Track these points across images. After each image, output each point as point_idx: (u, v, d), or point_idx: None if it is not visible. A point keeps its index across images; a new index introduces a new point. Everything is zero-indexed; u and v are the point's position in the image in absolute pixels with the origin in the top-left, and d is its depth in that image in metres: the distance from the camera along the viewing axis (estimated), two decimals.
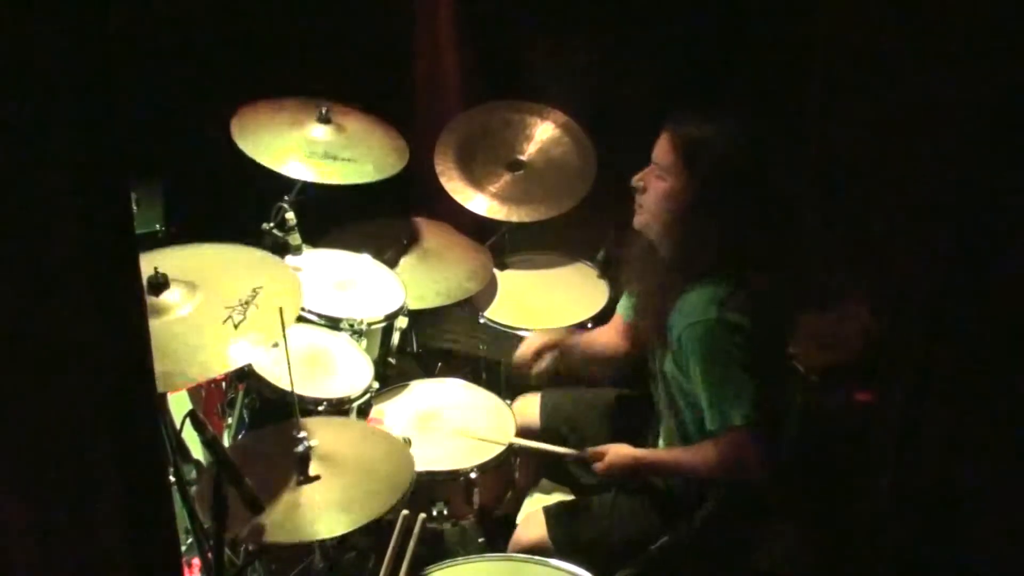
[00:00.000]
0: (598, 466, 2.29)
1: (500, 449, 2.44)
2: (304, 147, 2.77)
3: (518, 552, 2.26)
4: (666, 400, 2.29)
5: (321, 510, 1.94)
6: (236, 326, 1.92)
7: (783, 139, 3.10)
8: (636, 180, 2.24)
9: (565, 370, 2.63)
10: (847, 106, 3.06)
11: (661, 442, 2.37)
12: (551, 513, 2.33)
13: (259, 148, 2.70)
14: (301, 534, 1.91)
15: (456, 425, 2.54)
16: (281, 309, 1.88)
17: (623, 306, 2.54)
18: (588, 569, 2.02)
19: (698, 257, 2.15)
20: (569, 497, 2.57)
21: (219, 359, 1.90)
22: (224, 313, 1.94)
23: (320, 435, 2.04)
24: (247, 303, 1.95)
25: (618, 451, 2.28)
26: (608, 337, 2.60)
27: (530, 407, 2.62)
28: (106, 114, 1.01)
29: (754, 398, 2.06)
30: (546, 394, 2.64)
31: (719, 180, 2.12)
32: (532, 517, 2.36)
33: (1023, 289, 2.62)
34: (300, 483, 1.97)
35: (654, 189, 2.20)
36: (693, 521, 2.23)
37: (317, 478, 1.98)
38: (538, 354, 2.59)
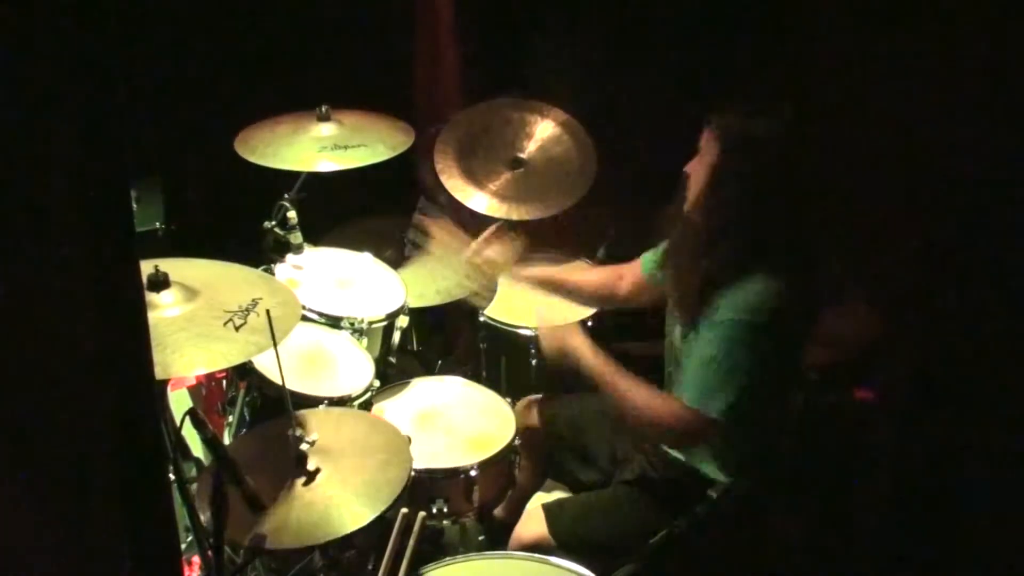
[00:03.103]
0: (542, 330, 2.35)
1: (502, 445, 2.45)
2: (313, 145, 2.78)
3: (518, 549, 2.26)
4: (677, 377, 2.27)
5: (322, 508, 1.94)
6: (237, 329, 1.93)
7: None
8: (688, 168, 2.19)
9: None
10: (847, 105, 3.05)
11: None
12: (551, 509, 2.33)
13: (269, 158, 2.71)
14: (302, 535, 1.91)
15: (456, 423, 2.55)
16: (268, 311, 1.89)
17: (648, 260, 2.49)
18: (588, 564, 2.01)
19: (736, 254, 2.09)
20: (569, 495, 2.57)
21: (219, 355, 1.91)
22: (224, 316, 1.95)
23: (319, 429, 2.05)
24: (247, 310, 1.97)
25: (572, 333, 2.28)
26: (610, 278, 2.57)
27: (532, 409, 2.62)
28: (106, 112, 1.01)
29: (737, 403, 2.04)
30: (548, 396, 2.64)
31: (763, 178, 2.08)
32: (532, 513, 2.35)
33: (1023, 289, 2.62)
34: (300, 480, 1.97)
35: (697, 177, 2.14)
36: (693, 515, 2.22)
37: (318, 471, 1.99)
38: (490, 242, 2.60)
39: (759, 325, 2.03)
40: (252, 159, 2.70)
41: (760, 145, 2.08)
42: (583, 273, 2.69)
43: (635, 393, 2.16)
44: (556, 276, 2.63)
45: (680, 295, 2.21)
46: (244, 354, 1.92)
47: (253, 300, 2.01)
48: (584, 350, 2.24)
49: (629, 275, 2.54)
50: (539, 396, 2.65)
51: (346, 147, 2.77)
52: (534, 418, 2.60)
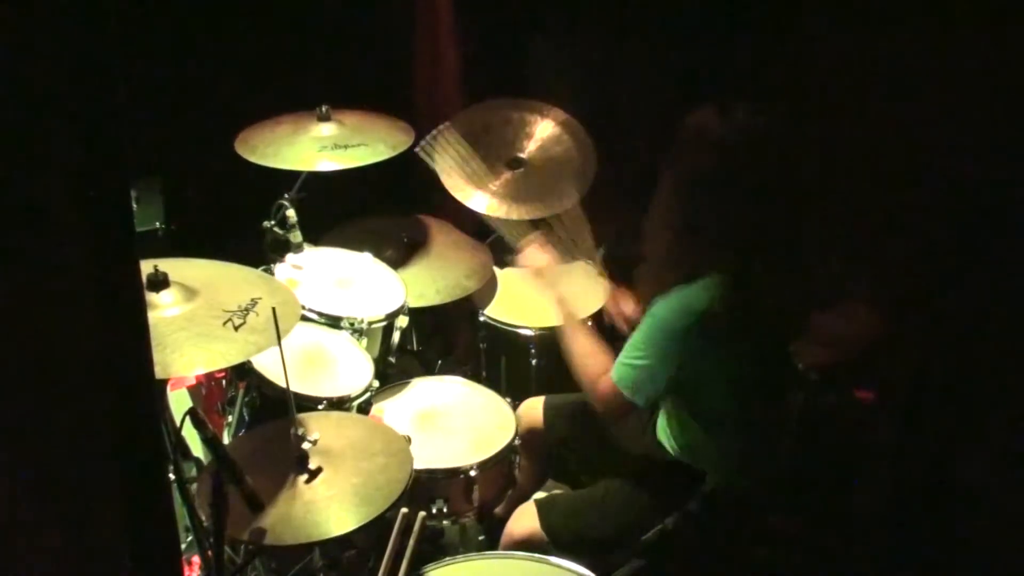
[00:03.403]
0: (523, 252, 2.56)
1: (502, 445, 2.45)
2: (314, 145, 2.78)
3: (510, 545, 2.26)
4: None
5: (322, 508, 1.94)
6: (236, 328, 1.93)
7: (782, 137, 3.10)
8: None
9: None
10: (847, 104, 3.05)
11: (659, 426, 2.37)
12: (543, 504, 2.33)
13: (270, 158, 2.72)
14: (302, 534, 1.91)
15: (456, 423, 2.55)
16: (273, 308, 1.89)
17: None
18: (582, 559, 2.01)
19: (703, 242, 2.10)
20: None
21: (218, 355, 1.91)
22: (224, 316, 1.95)
23: (320, 431, 2.05)
24: (247, 310, 1.97)
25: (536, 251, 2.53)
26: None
27: (534, 410, 2.62)
28: (106, 112, 1.01)
29: (656, 395, 2.16)
30: (550, 398, 2.64)
31: (721, 180, 2.06)
32: (524, 509, 2.35)
33: (1023, 288, 2.62)
34: (301, 478, 1.98)
35: (665, 177, 2.16)
36: (685, 511, 2.22)
37: (319, 470, 1.99)
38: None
39: (680, 328, 2.06)
40: (252, 159, 2.70)
41: (699, 140, 2.08)
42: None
43: (582, 349, 2.27)
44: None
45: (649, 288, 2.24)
46: (243, 354, 1.92)
47: (252, 300, 2.02)
48: (556, 291, 2.40)
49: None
50: (541, 397, 2.65)
51: (346, 146, 2.78)
52: (536, 419, 2.60)
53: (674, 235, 2.15)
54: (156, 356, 1.71)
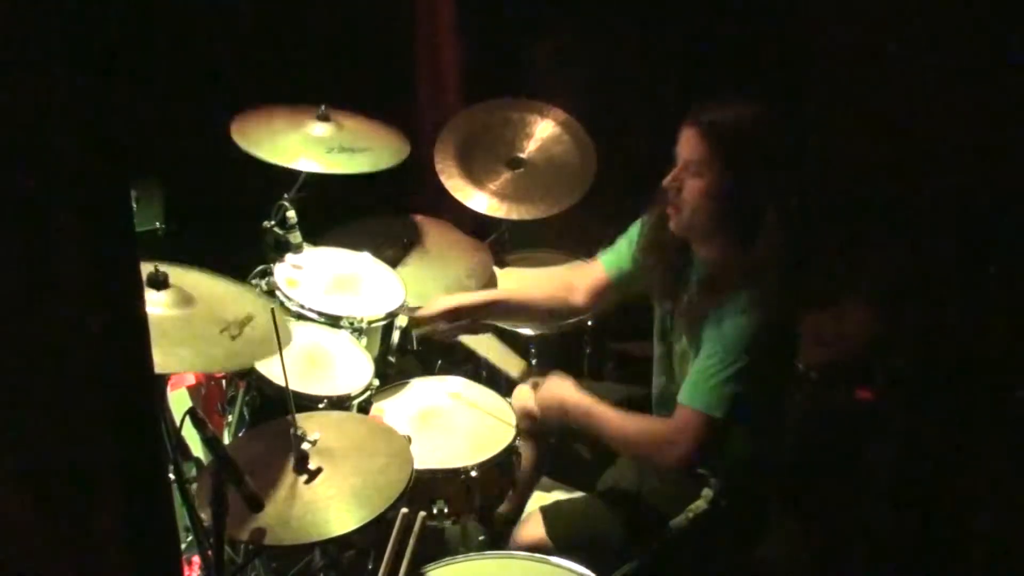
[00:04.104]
0: (539, 393, 2.30)
1: (502, 446, 2.45)
2: (320, 145, 2.78)
3: (520, 552, 2.26)
4: (672, 390, 2.27)
5: (322, 508, 1.94)
6: (233, 339, 1.94)
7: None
8: (669, 183, 2.12)
9: (482, 327, 2.57)
10: (847, 103, 3.06)
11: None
12: (548, 512, 2.33)
13: (275, 153, 2.72)
14: (302, 534, 1.91)
15: (456, 423, 2.55)
16: (273, 309, 1.89)
17: (611, 263, 2.44)
18: (588, 565, 2.02)
19: (746, 255, 2.06)
20: (568, 495, 2.57)
21: (221, 355, 1.92)
22: (222, 323, 1.96)
23: (320, 431, 2.05)
24: (243, 324, 1.98)
25: (559, 385, 2.27)
26: (564, 288, 2.52)
27: (527, 397, 2.61)
28: (106, 112, 1.01)
29: (736, 404, 2.04)
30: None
31: (757, 165, 2.05)
32: (530, 517, 2.36)
33: (1022, 288, 2.62)
34: (301, 479, 1.98)
35: (691, 188, 2.09)
36: (690, 517, 2.22)
37: (320, 470, 1.99)
38: (443, 317, 2.51)
39: (770, 326, 2.03)
40: (256, 153, 2.69)
41: (750, 135, 2.06)
42: (525, 291, 2.63)
43: (622, 422, 2.16)
44: (497, 298, 2.57)
45: (688, 321, 2.18)
46: (239, 363, 1.93)
47: (248, 316, 2.01)
48: (567, 397, 2.25)
49: (585, 281, 2.49)
50: (536, 380, 2.64)
51: (352, 150, 2.78)
52: (530, 404, 2.58)
53: (735, 231, 2.09)
54: (159, 351, 1.72)
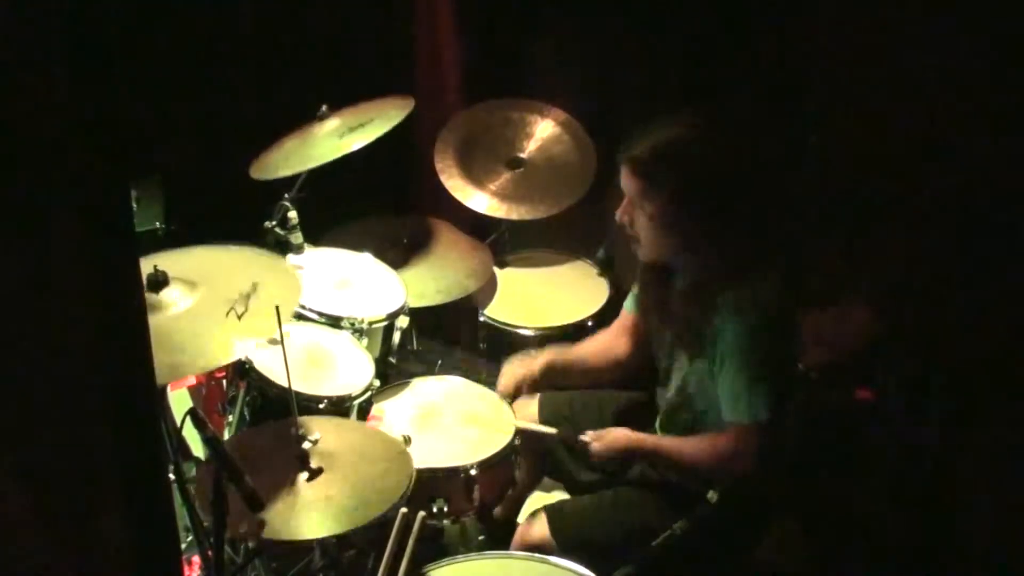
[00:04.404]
0: (594, 446, 2.31)
1: (502, 445, 2.45)
2: (333, 135, 2.77)
3: (521, 551, 2.26)
4: (677, 400, 2.29)
5: (322, 508, 1.94)
6: (239, 317, 1.94)
7: (782, 137, 3.10)
8: (619, 217, 2.21)
9: (560, 385, 2.60)
10: (847, 103, 3.06)
11: (663, 430, 2.38)
12: (552, 512, 2.33)
13: (294, 165, 2.71)
14: (301, 533, 1.91)
15: (456, 423, 2.55)
16: (278, 308, 1.89)
17: (631, 307, 2.51)
18: (590, 566, 2.02)
19: (723, 260, 2.13)
20: (571, 495, 2.57)
21: (223, 349, 1.93)
22: (226, 306, 1.95)
23: (319, 434, 2.05)
24: (248, 295, 1.98)
25: (616, 433, 2.31)
26: (607, 341, 2.57)
27: (529, 408, 2.62)
28: (106, 112, 1.01)
29: (774, 399, 2.10)
30: (545, 395, 2.64)
31: (694, 183, 2.11)
32: (534, 517, 2.36)
33: (1022, 288, 2.62)
34: (303, 477, 1.98)
35: (639, 221, 2.18)
36: (694, 517, 2.23)
37: (320, 470, 1.99)
38: (518, 389, 2.58)
39: (770, 319, 2.09)
40: (279, 175, 2.69)
41: (678, 158, 2.11)
42: (580, 348, 2.64)
43: (688, 448, 2.22)
44: (561, 361, 2.59)
45: (677, 331, 2.24)
46: (251, 336, 1.93)
47: (253, 284, 2.02)
48: (633, 437, 2.30)
49: (619, 332, 2.54)
50: (536, 395, 2.65)
51: (362, 126, 2.77)
52: (532, 417, 2.60)
53: (678, 263, 2.20)
54: (163, 358, 1.72)
